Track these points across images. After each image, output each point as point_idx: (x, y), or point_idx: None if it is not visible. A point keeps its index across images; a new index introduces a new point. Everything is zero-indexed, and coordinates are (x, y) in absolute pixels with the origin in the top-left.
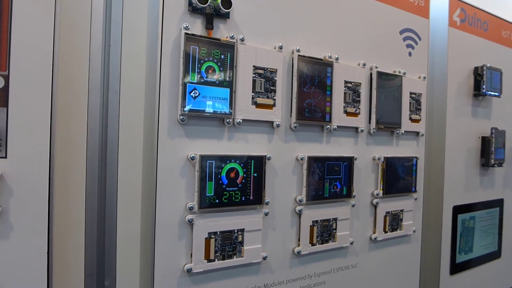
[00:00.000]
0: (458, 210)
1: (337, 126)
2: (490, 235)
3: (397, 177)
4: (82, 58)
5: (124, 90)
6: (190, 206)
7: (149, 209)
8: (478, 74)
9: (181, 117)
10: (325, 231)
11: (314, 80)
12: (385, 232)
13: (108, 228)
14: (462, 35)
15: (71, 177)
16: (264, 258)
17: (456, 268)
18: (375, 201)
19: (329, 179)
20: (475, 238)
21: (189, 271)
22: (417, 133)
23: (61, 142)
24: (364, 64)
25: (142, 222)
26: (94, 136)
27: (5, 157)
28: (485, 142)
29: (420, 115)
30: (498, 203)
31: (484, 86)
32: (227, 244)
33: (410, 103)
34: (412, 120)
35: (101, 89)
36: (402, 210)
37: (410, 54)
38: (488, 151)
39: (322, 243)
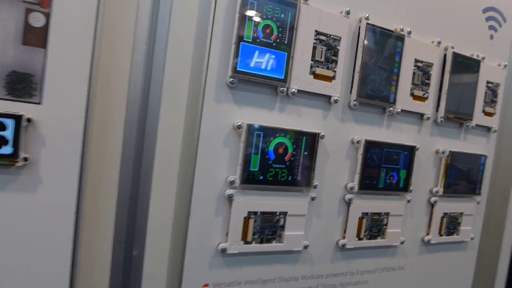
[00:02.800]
0: None
1: (401, 109)
2: None
3: (461, 175)
4: (130, 6)
5: (172, 46)
6: (231, 180)
7: (187, 179)
8: None
9: (231, 80)
10: (374, 225)
11: (382, 55)
12: (440, 235)
13: (141, 195)
14: None
15: (107, 135)
16: (305, 247)
17: None
18: (433, 199)
19: (386, 168)
20: None
21: (223, 251)
22: (489, 129)
23: (100, 95)
24: (439, 42)
25: (178, 192)
26: (135, 93)
27: (40, 103)
28: None
29: (494, 109)
30: None
31: None
32: (267, 227)
33: (485, 93)
34: (486, 113)
35: (148, 43)
36: (461, 213)
37: (491, 37)
38: None
39: (369, 239)
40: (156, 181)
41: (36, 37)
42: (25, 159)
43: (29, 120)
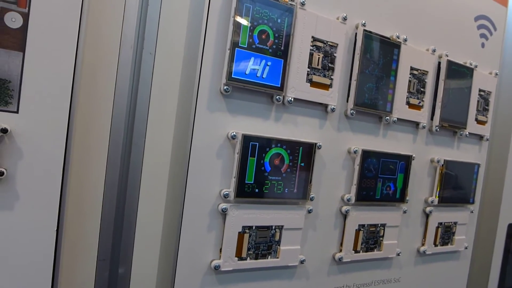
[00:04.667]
0: None
1: (397, 118)
2: None
3: (455, 184)
4: (116, 8)
5: (161, 51)
6: (225, 193)
7: (177, 192)
8: None
9: (225, 87)
10: (371, 237)
11: (378, 62)
12: (435, 245)
13: (128, 209)
14: None
15: (91, 147)
16: (302, 262)
17: None
18: (428, 209)
19: (383, 178)
20: None
21: (216, 268)
22: (481, 137)
23: (83, 104)
24: (434, 50)
25: (167, 206)
26: (122, 100)
27: (17, 112)
28: None
29: (487, 117)
30: None
31: None
32: (262, 242)
33: (478, 101)
34: (478, 122)
35: (135, 47)
36: (455, 223)
37: (483, 45)
38: None
39: (366, 251)
40: (144, 195)
41: (12, 39)
42: (1, 173)
43: (4, 130)
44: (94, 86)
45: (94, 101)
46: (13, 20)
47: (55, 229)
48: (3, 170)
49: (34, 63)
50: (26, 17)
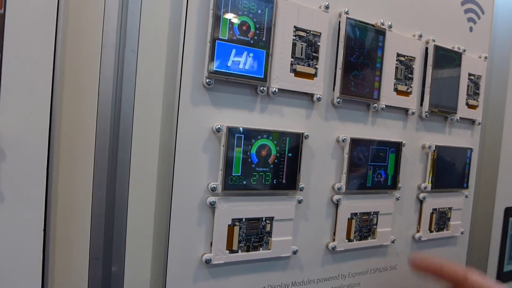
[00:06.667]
0: (511, 212)
1: (386, 105)
2: None
3: (448, 169)
4: (96, 7)
5: (144, 48)
6: (212, 186)
7: (165, 187)
8: None
9: (207, 80)
10: (364, 226)
11: (363, 50)
12: (430, 231)
13: (118, 207)
14: None
15: (78, 145)
16: (294, 253)
17: (504, 277)
18: (421, 195)
19: (373, 166)
20: None
21: (207, 262)
22: (473, 121)
23: (67, 102)
24: (420, 36)
25: (157, 203)
26: (106, 99)
27: None
28: None
29: (478, 101)
30: None
31: None
32: (253, 234)
33: (468, 86)
34: (469, 106)
35: (117, 46)
36: (450, 208)
37: (471, 29)
38: None
39: (360, 240)
40: (133, 192)
41: None
42: None
43: None
44: (77, 86)
45: (78, 100)
46: None
47: (43, 228)
48: None
49: (11, 64)
50: (2, 18)
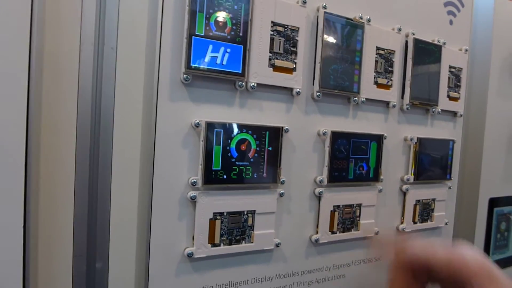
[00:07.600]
0: (495, 203)
1: (366, 98)
2: None
3: (430, 161)
4: (73, 4)
5: (122, 45)
6: (192, 181)
7: (146, 182)
8: None
9: (185, 76)
10: (347, 218)
11: (342, 44)
12: (414, 223)
13: (100, 203)
14: (511, 6)
15: (59, 142)
16: (277, 245)
17: None
18: (404, 187)
19: (354, 159)
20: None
21: (190, 255)
22: (455, 113)
23: (46, 99)
24: (400, 29)
25: (140, 198)
26: (86, 98)
27: None
28: None
29: (459, 93)
30: None
31: None
32: (235, 227)
33: (449, 78)
34: (450, 98)
35: (95, 43)
36: (434, 199)
37: (451, 22)
38: None
39: (343, 232)
40: (116, 188)
41: None
42: None
43: None
44: (57, 84)
45: (57, 98)
46: None
47: (22, 225)
48: None
49: None
50: None
